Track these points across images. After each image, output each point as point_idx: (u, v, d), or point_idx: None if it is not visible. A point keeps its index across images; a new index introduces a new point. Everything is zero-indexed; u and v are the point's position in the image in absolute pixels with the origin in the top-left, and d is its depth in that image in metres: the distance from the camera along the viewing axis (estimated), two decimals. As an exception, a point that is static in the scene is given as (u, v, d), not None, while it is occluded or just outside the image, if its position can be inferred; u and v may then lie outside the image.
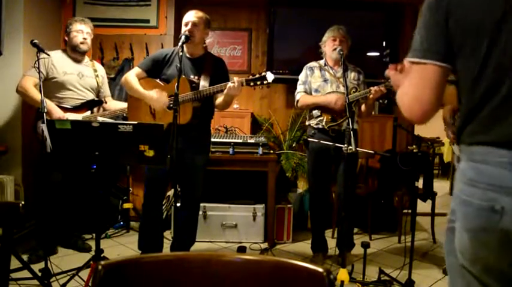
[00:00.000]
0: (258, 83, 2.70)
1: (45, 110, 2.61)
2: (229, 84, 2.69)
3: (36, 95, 2.97)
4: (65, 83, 3.16)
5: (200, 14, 2.88)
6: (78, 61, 3.30)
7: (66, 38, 3.27)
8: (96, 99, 3.36)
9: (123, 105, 3.36)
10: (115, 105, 3.44)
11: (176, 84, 2.42)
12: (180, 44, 2.64)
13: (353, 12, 4.60)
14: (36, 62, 2.96)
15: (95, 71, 3.38)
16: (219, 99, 2.91)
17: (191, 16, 2.84)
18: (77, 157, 2.46)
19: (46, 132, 2.38)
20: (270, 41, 4.61)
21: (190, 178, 2.95)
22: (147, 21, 4.44)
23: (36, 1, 3.81)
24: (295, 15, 4.63)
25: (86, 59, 3.38)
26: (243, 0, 4.74)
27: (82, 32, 3.23)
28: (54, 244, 3.28)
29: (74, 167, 3.15)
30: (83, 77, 3.27)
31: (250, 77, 2.72)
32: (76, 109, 3.18)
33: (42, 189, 3.16)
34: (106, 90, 3.50)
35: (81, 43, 3.23)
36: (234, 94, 2.77)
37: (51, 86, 3.13)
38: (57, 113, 3.06)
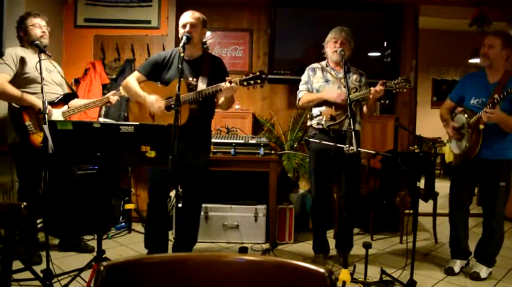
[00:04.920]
0: (252, 82, 2.70)
1: (47, 111, 2.60)
2: (222, 84, 2.70)
3: (15, 91, 2.89)
4: (37, 78, 2.91)
5: (197, 14, 2.87)
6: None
7: (22, 34, 3.07)
8: (70, 93, 3.28)
9: (87, 101, 3.31)
10: (78, 101, 3.31)
11: (177, 85, 2.40)
12: (181, 45, 2.62)
13: (354, 13, 4.60)
14: (4, 58, 2.92)
15: (55, 67, 3.29)
16: (221, 99, 2.91)
17: (188, 17, 2.83)
18: (79, 158, 2.46)
19: (48, 133, 2.37)
20: (271, 42, 4.61)
21: (192, 178, 2.96)
22: (149, 22, 4.44)
23: (38, 2, 3.82)
24: (297, 16, 4.63)
25: (43, 55, 3.06)
26: (244, 1, 4.74)
27: (39, 25, 3.09)
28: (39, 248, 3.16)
29: (58, 169, 3.12)
30: (51, 72, 3.19)
31: (244, 77, 2.72)
32: (54, 105, 3.09)
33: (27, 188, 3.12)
34: (65, 87, 3.36)
35: (41, 37, 3.06)
36: (229, 95, 2.78)
37: (21, 81, 2.98)
38: (39, 104, 2.86)
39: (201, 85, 2.84)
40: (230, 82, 2.68)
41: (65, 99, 3.20)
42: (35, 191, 3.09)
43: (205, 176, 3.08)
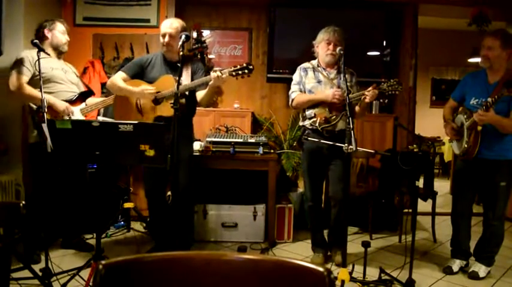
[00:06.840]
0: (240, 72, 2.82)
1: (45, 110, 2.61)
2: (212, 74, 2.81)
3: (33, 91, 2.98)
4: (54, 78, 3.13)
5: (175, 24, 3.07)
6: (58, 59, 3.29)
7: (49, 35, 3.19)
8: (87, 90, 3.39)
9: (103, 98, 3.45)
10: (93, 99, 3.44)
11: (176, 83, 2.46)
12: (180, 43, 2.66)
13: (353, 12, 4.60)
14: (22, 60, 3.04)
15: (70, 67, 3.38)
16: (201, 94, 3.03)
17: (167, 27, 3.05)
18: (77, 156, 2.45)
19: (47, 132, 2.37)
20: (271, 41, 4.62)
21: (178, 169, 2.97)
22: (148, 20, 4.44)
23: (37, 0, 3.81)
24: (296, 15, 4.64)
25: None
26: (243, 0, 4.74)
27: (65, 33, 3.27)
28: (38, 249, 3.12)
29: (70, 167, 3.14)
30: (67, 72, 3.28)
31: (233, 67, 2.84)
32: (72, 102, 3.18)
33: (40, 189, 3.10)
34: (81, 86, 3.45)
35: (65, 44, 3.27)
36: (217, 84, 2.90)
37: (39, 82, 2.99)
38: (62, 105, 3.06)
39: (186, 81, 3.01)
40: (220, 73, 2.81)
41: (82, 97, 3.30)
42: (46, 191, 3.10)
43: (192, 172, 3.16)
